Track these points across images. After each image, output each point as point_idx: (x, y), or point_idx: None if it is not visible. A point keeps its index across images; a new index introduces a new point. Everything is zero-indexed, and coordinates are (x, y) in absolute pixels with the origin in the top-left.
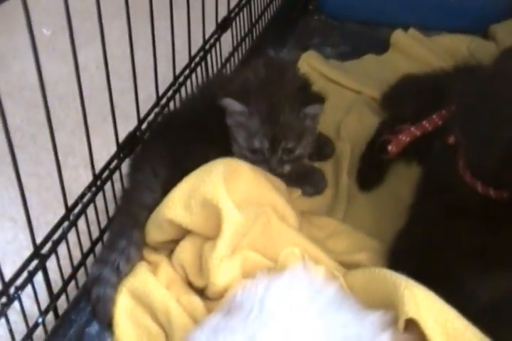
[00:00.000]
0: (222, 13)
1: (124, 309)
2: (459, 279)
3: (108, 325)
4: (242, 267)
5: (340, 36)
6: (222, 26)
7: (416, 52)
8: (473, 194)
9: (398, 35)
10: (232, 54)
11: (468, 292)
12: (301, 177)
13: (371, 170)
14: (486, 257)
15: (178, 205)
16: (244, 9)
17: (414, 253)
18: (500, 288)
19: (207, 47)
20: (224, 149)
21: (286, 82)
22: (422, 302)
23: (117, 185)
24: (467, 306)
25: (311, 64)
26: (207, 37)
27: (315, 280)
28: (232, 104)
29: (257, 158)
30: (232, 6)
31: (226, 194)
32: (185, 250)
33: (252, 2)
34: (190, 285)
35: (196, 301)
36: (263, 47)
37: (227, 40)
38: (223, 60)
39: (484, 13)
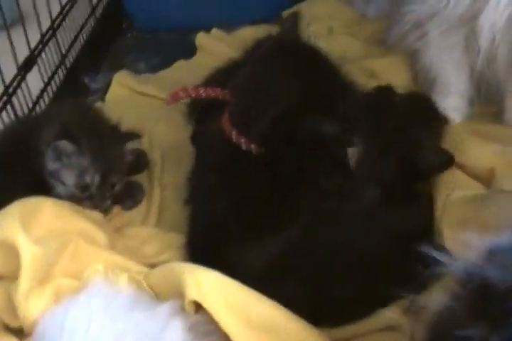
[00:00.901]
0: (24, 52)
1: None
2: (225, 253)
3: None
4: (55, 296)
5: (153, 49)
6: (26, 67)
7: (220, 50)
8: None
9: (201, 38)
10: (43, 90)
11: (240, 262)
12: (120, 193)
13: None
14: (254, 224)
15: None
16: (50, 43)
17: (195, 237)
18: (269, 250)
19: (10, 90)
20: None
21: (102, 121)
22: (204, 284)
23: None
24: (245, 275)
25: (122, 83)
26: (8, 81)
27: (111, 290)
28: (66, 146)
29: (83, 196)
30: (34, 43)
31: (23, 232)
32: None
33: (59, 34)
34: (9, 328)
35: None
36: (77, 76)
37: (36, 77)
38: (34, 98)
39: (275, 2)
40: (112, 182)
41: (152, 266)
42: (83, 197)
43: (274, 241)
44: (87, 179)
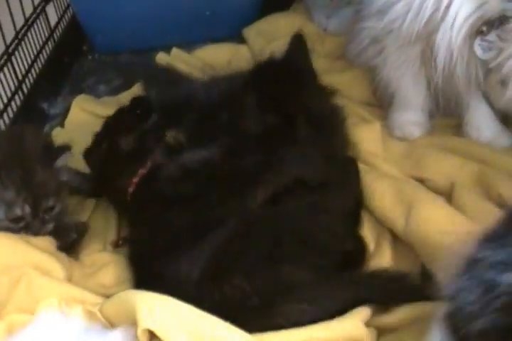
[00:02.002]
0: None
1: None
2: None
3: None
4: (8, 331)
5: (113, 71)
6: None
7: (180, 70)
8: None
9: (161, 58)
10: None
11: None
12: (59, 228)
13: None
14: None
15: None
16: (5, 69)
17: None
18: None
19: None
20: None
21: (29, 145)
22: (157, 312)
23: None
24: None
25: (82, 107)
26: None
27: (61, 323)
28: None
29: (18, 226)
30: None
31: None
32: None
33: (15, 59)
34: None
35: None
36: (35, 101)
37: None
38: None
39: (236, 19)
40: (47, 206)
41: (109, 295)
42: (19, 228)
43: (203, 246)
44: (18, 211)
